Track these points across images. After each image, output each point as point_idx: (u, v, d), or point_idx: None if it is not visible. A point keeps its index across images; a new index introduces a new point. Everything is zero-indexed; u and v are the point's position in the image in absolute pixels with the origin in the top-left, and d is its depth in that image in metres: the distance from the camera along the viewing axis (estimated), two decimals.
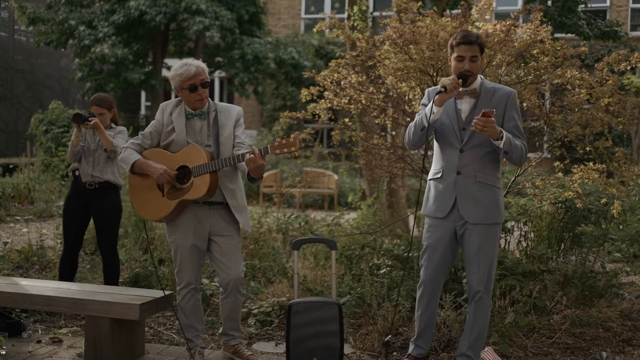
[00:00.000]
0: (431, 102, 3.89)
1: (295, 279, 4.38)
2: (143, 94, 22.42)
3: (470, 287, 4.05)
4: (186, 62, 4.20)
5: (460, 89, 3.94)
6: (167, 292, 4.49)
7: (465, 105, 3.99)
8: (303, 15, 22.10)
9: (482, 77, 4.03)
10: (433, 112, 3.87)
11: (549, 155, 6.23)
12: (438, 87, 3.88)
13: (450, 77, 3.85)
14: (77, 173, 5.51)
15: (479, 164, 3.94)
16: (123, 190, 8.83)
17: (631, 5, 19.47)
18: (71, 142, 5.45)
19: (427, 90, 4.20)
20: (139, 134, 4.38)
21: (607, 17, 18.37)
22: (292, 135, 3.98)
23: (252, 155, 3.96)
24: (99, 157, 5.43)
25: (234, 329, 4.45)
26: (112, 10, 16.71)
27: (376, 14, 7.55)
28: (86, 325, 4.28)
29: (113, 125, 5.57)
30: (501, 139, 3.79)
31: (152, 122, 4.37)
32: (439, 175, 4.05)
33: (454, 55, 3.93)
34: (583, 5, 9.17)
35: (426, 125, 3.90)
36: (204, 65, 4.22)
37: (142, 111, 22.52)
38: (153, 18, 16.16)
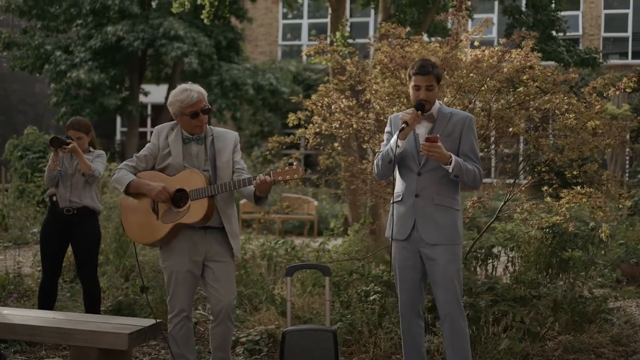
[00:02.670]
0: (396, 135, 4.00)
1: (288, 306, 4.30)
2: (118, 120, 22.23)
3: (440, 310, 4.07)
4: (186, 87, 4.12)
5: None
6: (157, 320, 4.35)
7: (422, 129, 4.08)
8: (280, 42, 22.19)
9: (440, 102, 4.14)
10: (398, 146, 3.99)
11: (525, 181, 6.20)
12: (399, 121, 4.01)
13: (410, 111, 3.99)
14: (54, 198, 5.37)
15: (436, 187, 4.02)
16: (103, 215, 8.71)
17: (603, 34, 19.86)
18: (48, 166, 5.32)
19: (389, 117, 4.30)
20: (134, 156, 4.29)
21: (580, 46, 18.70)
22: (294, 163, 3.95)
23: (265, 177, 3.93)
24: (77, 181, 5.30)
25: (225, 359, 4.32)
26: (89, 35, 16.60)
27: (363, 40, 7.56)
28: (72, 355, 4.13)
29: (91, 149, 5.46)
30: (450, 164, 3.89)
31: (148, 145, 4.28)
32: (399, 199, 4.13)
33: (411, 84, 4.07)
34: (562, 34, 9.31)
35: (392, 158, 4.02)
36: (203, 91, 4.16)
37: (118, 137, 22.32)
38: (131, 44, 16.08)
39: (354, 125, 5.29)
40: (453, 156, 3.90)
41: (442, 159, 3.88)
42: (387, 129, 4.26)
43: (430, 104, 4.04)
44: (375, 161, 4.20)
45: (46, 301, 5.44)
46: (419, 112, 3.96)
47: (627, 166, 16.22)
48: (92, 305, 5.44)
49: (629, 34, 19.64)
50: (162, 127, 4.30)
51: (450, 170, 3.91)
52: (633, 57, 19.46)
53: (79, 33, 16.82)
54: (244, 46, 19.04)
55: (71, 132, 5.34)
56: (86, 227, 5.35)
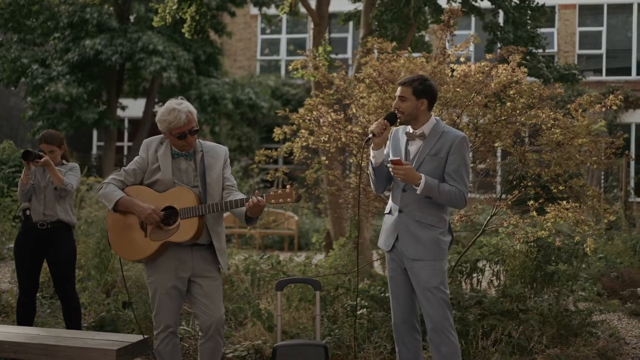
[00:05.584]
0: (364, 144, 4.08)
1: (279, 321, 4.26)
2: (95, 134, 22.03)
3: (426, 324, 4.06)
4: (174, 107, 4.03)
5: (411, 132, 4.10)
6: (145, 336, 4.28)
7: (414, 146, 4.11)
8: (259, 57, 22.21)
9: (437, 119, 4.14)
10: (374, 157, 4.06)
11: (510, 195, 6.24)
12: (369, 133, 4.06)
13: (377, 121, 4.03)
14: (27, 212, 5.26)
15: (419, 204, 4.04)
16: (82, 230, 8.58)
17: (577, 51, 20.17)
18: (20, 180, 5.21)
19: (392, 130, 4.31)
20: (122, 169, 4.21)
21: (556, 63, 18.95)
22: (287, 186, 3.91)
23: (258, 198, 3.88)
24: (50, 194, 5.19)
25: None
26: (66, 49, 16.46)
27: (342, 56, 7.57)
28: None
29: (64, 161, 5.37)
30: (417, 185, 3.92)
31: (136, 158, 4.21)
32: (388, 211, 4.22)
33: None
34: (541, 50, 9.42)
35: (372, 169, 4.10)
36: (193, 110, 4.09)
37: (94, 151, 22.10)
38: (109, 57, 15.98)
39: (343, 139, 5.29)
40: (424, 177, 3.92)
41: (411, 179, 3.92)
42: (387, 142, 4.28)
43: (405, 115, 4.04)
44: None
45: (25, 317, 5.33)
46: (387, 121, 4.01)
47: (603, 181, 16.43)
48: (72, 321, 5.34)
49: (603, 51, 19.97)
50: (151, 140, 4.24)
51: (418, 192, 3.94)
52: (607, 74, 19.79)
53: (56, 46, 16.68)
54: (223, 61, 19.02)
55: (43, 146, 5.23)
56: (61, 242, 5.25)
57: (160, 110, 4.11)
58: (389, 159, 3.97)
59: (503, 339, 4.90)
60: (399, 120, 4.06)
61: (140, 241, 4.05)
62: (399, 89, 4.06)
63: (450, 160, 4.01)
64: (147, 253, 4.04)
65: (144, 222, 4.04)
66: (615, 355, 5.40)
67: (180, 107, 4.05)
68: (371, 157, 4.07)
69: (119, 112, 18.25)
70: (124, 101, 18.49)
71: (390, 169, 3.94)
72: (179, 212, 4.00)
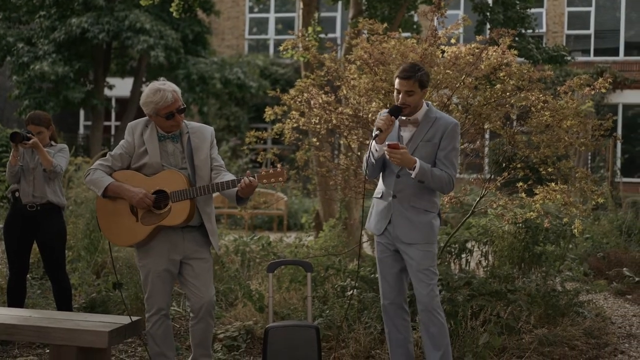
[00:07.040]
0: (372, 141, 4.06)
1: (270, 302, 4.29)
2: (82, 113, 21.85)
3: (418, 304, 4.13)
4: (159, 87, 4.01)
5: (404, 118, 4.11)
6: (135, 318, 4.29)
7: (407, 133, 4.15)
8: (247, 36, 22.06)
9: (429, 104, 4.16)
10: (377, 150, 4.06)
11: (493, 177, 6.27)
12: (374, 130, 4.07)
13: (383, 117, 4.01)
14: (17, 194, 5.24)
15: (413, 189, 4.09)
16: (71, 211, 8.55)
17: (566, 31, 20.19)
18: (9, 162, 5.17)
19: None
20: (108, 154, 4.18)
21: (544, 43, 18.95)
22: (278, 166, 3.92)
23: (250, 179, 3.88)
24: (39, 176, 5.17)
25: (206, 355, 4.29)
26: (52, 27, 16.26)
27: (330, 35, 7.52)
28: (50, 354, 4.06)
29: (53, 143, 5.33)
30: (413, 169, 3.96)
31: (122, 142, 4.17)
32: (379, 196, 4.25)
33: (395, 86, 4.11)
34: (531, 31, 9.43)
35: (374, 162, 4.12)
36: (177, 89, 4.07)
37: (81, 130, 21.94)
38: (95, 36, 15.80)
39: (334, 121, 5.29)
40: (418, 162, 3.96)
41: (406, 163, 3.96)
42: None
43: (410, 108, 4.06)
44: (363, 162, 4.27)
45: (15, 299, 5.34)
46: (392, 117, 4.01)
47: (590, 161, 16.54)
48: (63, 302, 5.35)
49: (591, 31, 19.99)
50: (136, 123, 4.20)
51: (412, 176, 3.98)
52: (595, 55, 19.83)
53: (42, 25, 16.46)
54: (211, 40, 18.87)
55: (31, 127, 5.19)
56: (50, 223, 5.24)
57: (144, 93, 4.07)
58: (386, 142, 3.99)
59: (492, 319, 4.96)
60: (403, 113, 4.05)
61: (131, 226, 4.04)
62: (403, 82, 3.99)
63: (443, 145, 4.07)
64: (139, 238, 4.03)
65: (135, 206, 4.03)
66: (601, 335, 5.49)
67: (164, 86, 4.03)
68: (374, 150, 4.09)
69: (106, 92, 18.10)
70: (111, 80, 18.34)
71: (386, 153, 3.96)
72: (170, 196, 3.99)
